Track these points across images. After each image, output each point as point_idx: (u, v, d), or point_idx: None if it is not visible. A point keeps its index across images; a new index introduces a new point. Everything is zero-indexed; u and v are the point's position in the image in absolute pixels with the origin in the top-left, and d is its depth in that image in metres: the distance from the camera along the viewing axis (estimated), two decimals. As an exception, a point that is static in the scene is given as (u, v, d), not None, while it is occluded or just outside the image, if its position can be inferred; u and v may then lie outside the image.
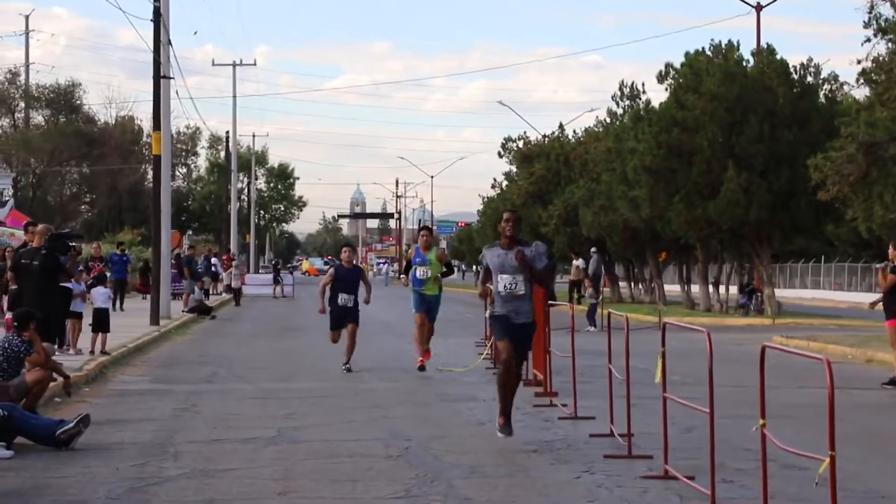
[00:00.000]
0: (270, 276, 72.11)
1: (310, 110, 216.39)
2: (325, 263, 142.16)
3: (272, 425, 15.12)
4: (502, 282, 13.18)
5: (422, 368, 20.87)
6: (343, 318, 21.06)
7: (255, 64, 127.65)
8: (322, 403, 17.39)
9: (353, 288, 21.16)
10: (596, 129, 60.61)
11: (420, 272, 20.94)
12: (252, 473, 11.87)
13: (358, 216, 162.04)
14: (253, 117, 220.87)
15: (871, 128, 30.31)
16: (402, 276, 21.85)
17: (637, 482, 11.26)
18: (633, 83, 53.68)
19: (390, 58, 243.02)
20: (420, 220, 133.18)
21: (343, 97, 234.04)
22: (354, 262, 21.77)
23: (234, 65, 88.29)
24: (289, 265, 73.87)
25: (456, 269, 24.90)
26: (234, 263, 56.86)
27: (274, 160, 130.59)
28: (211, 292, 48.88)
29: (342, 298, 20.95)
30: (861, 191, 30.79)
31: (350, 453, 13.06)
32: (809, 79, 45.44)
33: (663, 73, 46.72)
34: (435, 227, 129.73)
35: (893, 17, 30.58)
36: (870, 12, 30.75)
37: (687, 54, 45.99)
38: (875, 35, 30.87)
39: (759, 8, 46.38)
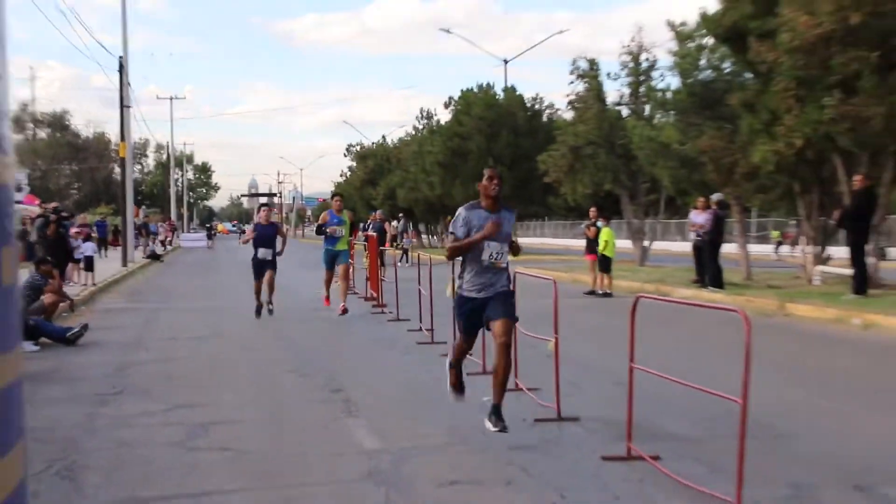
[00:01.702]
0: (200, 234, 71.84)
1: (221, 127, 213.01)
2: (234, 226, 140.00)
3: (206, 330, 15.05)
4: (488, 250, 7.45)
5: (344, 312, 16.57)
6: (263, 269, 16.61)
7: (185, 98, 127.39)
8: (237, 315, 17.29)
9: (271, 242, 16.53)
10: (406, 139, 60.76)
11: (338, 230, 16.98)
12: (195, 359, 11.86)
13: (253, 195, 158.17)
14: (184, 131, 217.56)
15: (575, 137, 31.07)
16: (327, 234, 17.02)
17: (435, 358, 11.51)
18: (429, 109, 54.37)
19: (271, 92, 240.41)
20: (293, 198, 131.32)
21: (243, 119, 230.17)
22: (272, 219, 17.14)
23: (171, 98, 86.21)
24: (210, 228, 75.30)
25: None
26: (158, 226, 55.47)
27: (198, 160, 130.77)
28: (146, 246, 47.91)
29: (261, 252, 16.54)
30: (569, 176, 31.59)
31: (256, 346, 13.13)
32: (537, 106, 46.42)
33: (447, 103, 47.26)
34: (303, 202, 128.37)
35: (587, 68, 31.35)
36: (573, 64, 31.50)
37: (462, 91, 46.64)
38: (577, 79, 31.60)
39: (506, 62, 46.98)
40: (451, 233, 7.55)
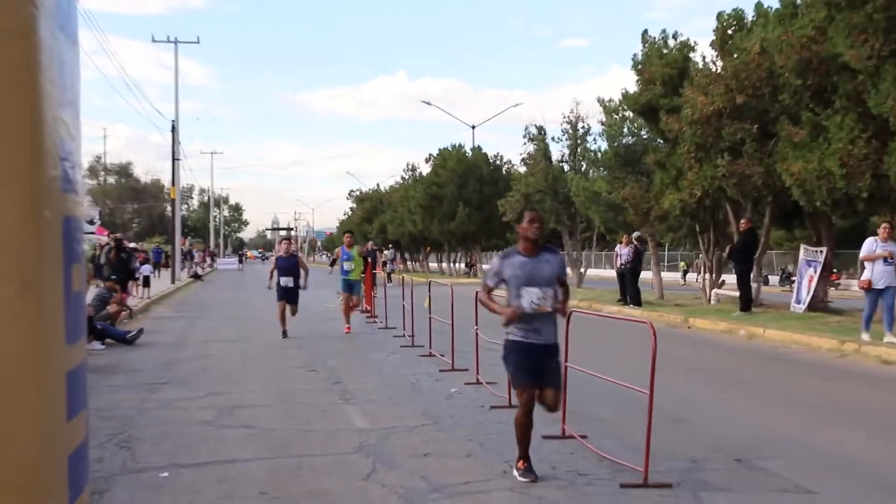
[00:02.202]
0: (233, 259, 71.69)
1: (251, 175, 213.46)
2: (259, 253, 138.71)
3: (234, 334, 14.94)
4: (528, 296, 5.40)
5: (348, 332, 15.07)
6: (285, 295, 14.47)
7: (222, 152, 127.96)
8: (259, 323, 17.11)
9: (292, 272, 14.47)
10: (395, 186, 60.70)
11: (346, 265, 15.94)
12: (226, 357, 11.78)
13: (275, 230, 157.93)
14: (222, 178, 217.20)
15: (527, 186, 31.16)
16: (329, 267, 16.84)
17: (415, 358, 11.51)
18: (413, 163, 54.44)
19: (291, 148, 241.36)
20: (307, 232, 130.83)
21: (268, 169, 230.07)
22: (291, 251, 15.05)
23: (212, 153, 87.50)
24: (241, 254, 75.15)
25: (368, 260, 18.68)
26: (195, 253, 54.55)
27: (233, 201, 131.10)
28: (190, 268, 47.26)
29: (283, 281, 14.38)
30: (521, 217, 31.59)
31: (277, 346, 13.03)
32: (498, 162, 46.34)
33: (428, 158, 47.18)
34: (314, 235, 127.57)
35: (537, 133, 31.52)
36: (526, 130, 31.66)
37: (439, 149, 46.61)
38: (528, 141, 31.74)
39: (473, 127, 47.20)
40: (485, 282, 5.76)
